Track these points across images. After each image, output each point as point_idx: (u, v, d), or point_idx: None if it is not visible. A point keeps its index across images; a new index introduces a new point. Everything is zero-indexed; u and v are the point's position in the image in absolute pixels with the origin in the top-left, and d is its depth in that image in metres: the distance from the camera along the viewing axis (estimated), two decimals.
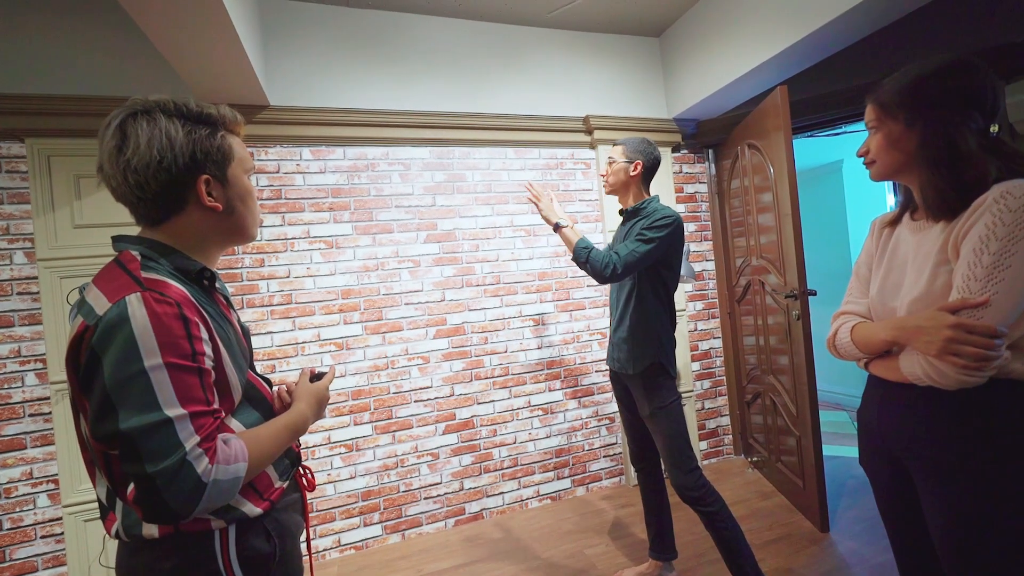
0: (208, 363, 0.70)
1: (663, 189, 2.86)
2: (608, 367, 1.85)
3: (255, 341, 2.23)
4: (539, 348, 2.61)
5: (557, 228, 1.65)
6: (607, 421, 2.78)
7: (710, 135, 2.88)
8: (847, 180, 3.86)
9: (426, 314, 2.43)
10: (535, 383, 2.59)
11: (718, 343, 2.97)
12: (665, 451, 1.63)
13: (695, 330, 2.96)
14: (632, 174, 1.70)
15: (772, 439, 2.59)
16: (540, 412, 2.61)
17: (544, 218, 1.71)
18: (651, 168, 1.72)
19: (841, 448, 2.99)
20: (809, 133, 2.91)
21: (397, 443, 2.40)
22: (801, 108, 2.71)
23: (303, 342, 2.33)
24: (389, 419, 2.38)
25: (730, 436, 2.94)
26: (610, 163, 1.73)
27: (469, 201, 2.53)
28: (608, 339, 1.87)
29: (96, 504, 0.88)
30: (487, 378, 2.52)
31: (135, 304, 0.65)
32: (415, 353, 2.42)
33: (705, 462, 2.91)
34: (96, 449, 0.68)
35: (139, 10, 1.49)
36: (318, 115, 2.28)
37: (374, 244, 2.39)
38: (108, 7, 2.06)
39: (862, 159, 1.01)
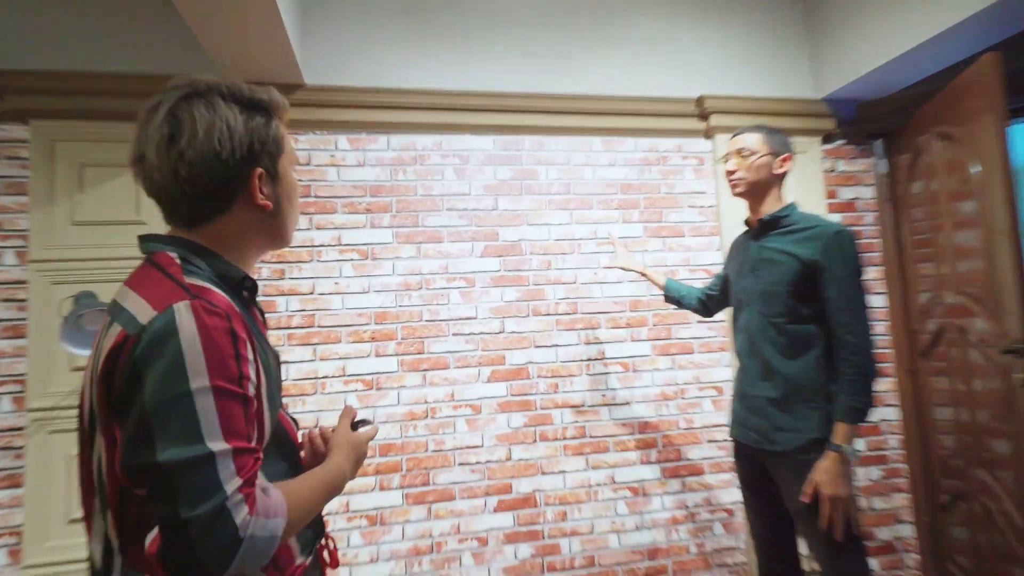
0: (251, 390, 0.69)
1: (810, 193, 2.64)
2: (733, 437, 1.74)
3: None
4: (628, 404, 2.45)
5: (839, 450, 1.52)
6: (723, 514, 2.48)
7: (878, 120, 2.70)
8: None
9: (480, 349, 2.35)
10: (622, 451, 2.42)
11: (893, 414, 2.68)
12: (829, 565, 1.49)
13: None
14: (777, 171, 1.65)
15: (986, 565, 2.27)
16: (628, 493, 2.42)
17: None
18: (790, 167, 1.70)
19: None
20: None
21: (433, 519, 2.28)
22: (1020, 83, 2.40)
23: (324, 376, 2.25)
24: (425, 485, 2.28)
25: (915, 555, 2.61)
26: (742, 155, 1.66)
27: (541, 204, 2.46)
28: (735, 397, 1.73)
29: (81, 565, 0.78)
30: (556, 440, 2.37)
31: (184, 314, 0.65)
32: (463, 400, 2.33)
33: None
34: (114, 487, 0.67)
35: None
36: (359, 96, 2.30)
37: (418, 256, 2.35)
38: None
39: None
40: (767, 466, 1.64)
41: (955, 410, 2.40)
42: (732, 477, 2.50)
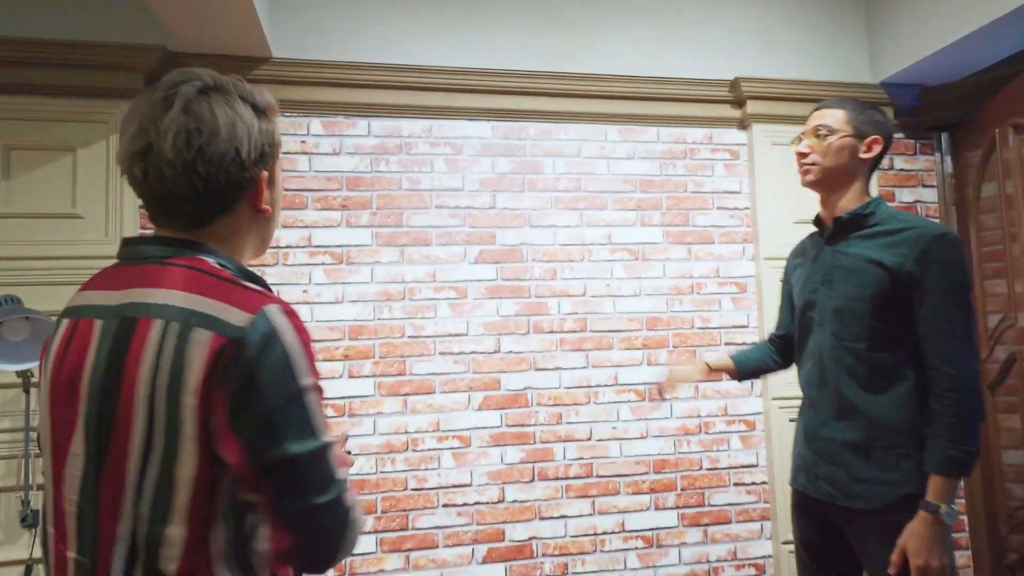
0: None
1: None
2: (796, 488, 1.56)
3: None
4: (643, 438, 2.33)
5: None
6: (751, 571, 2.34)
7: (944, 110, 2.61)
8: None
9: (471, 371, 2.28)
10: (634, 494, 2.31)
11: None
12: None
13: None
14: (863, 156, 1.46)
15: None
16: (640, 543, 2.30)
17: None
18: (885, 151, 1.50)
19: None
20: None
21: (412, 570, 2.18)
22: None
23: None
24: (403, 530, 2.19)
25: None
26: (818, 134, 1.48)
27: (546, 203, 2.36)
28: (800, 438, 1.55)
29: None
30: (558, 479, 2.27)
31: (278, 316, 0.72)
32: (450, 430, 2.26)
33: None
34: (201, 499, 0.71)
35: None
36: (337, 72, 2.22)
37: (401, 261, 2.26)
38: None
39: None
40: (841, 526, 1.47)
41: None
42: (762, 527, 2.36)
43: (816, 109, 1.53)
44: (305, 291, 2.16)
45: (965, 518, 2.47)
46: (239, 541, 0.73)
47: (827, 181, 1.47)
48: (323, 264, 2.19)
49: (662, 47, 2.42)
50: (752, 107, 2.40)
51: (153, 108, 0.77)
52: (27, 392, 1.81)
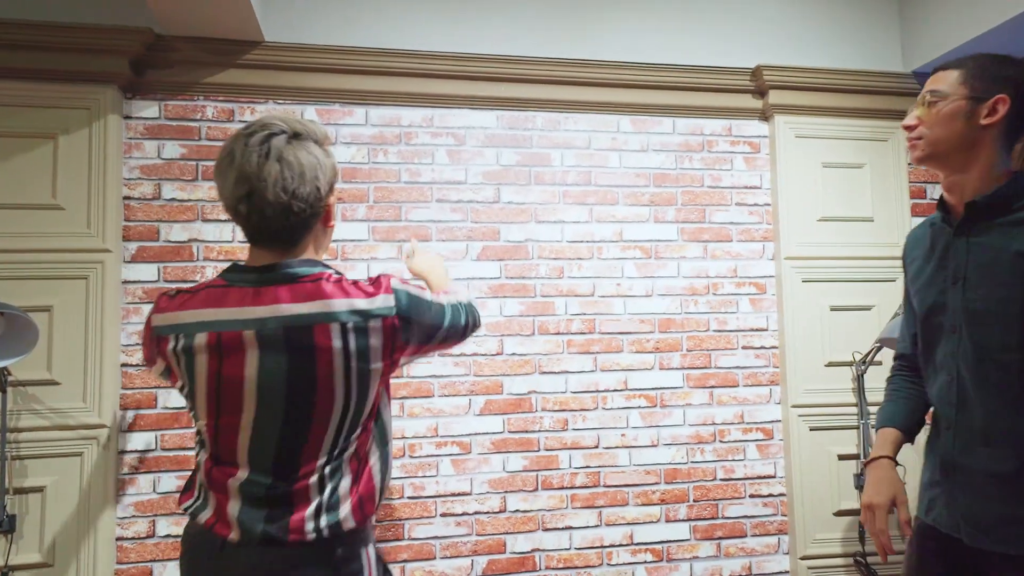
0: None
1: (889, 191, 2.44)
2: (928, 522, 1.35)
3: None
4: (654, 446, 2.29)
5: None
6: None
7: None
8: None
9: (472, 374, 2.25)
10: (643, 505, 2.27)
11: None
12: None
13: None
14: (985, 121, 1.23)
15: None
16: (649, 556, 2.26)
17: None
18: (1022, 111, 1.24)
19: None
20: None
21: None
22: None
23: None
24: (398, 540, 2.17)
25: None
26: (928, 105, 1.28)
27: (554, 197, 2.32)
28: (934, 465, 1.35)
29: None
30: (563, 488, 2.24)
31: (396, 282, 1.11)
32: (449, 436, 2.23)
33: None
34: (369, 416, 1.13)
35: None
36: (332, 58, 2.17)
37: (400, 257, 2.23)
38: None
39: None
40: (980, 569, 1.29)
41: None
42: (779, 541, 2.29)
43: (932, 72, 1.34)
44: None
45: None
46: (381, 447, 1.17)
47: (940, 157, 1.28)
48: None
49: (678, 32, 2.36)
50: (774, 97, 2.33)
51: (251, 158, 1.02)
52: (3, 391, 1.77)
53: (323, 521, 1.05)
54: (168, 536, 1.96)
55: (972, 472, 1.25)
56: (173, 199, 2.03)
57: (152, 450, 1.96)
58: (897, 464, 1.38)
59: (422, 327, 1.13)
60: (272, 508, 1.05)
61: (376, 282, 1.11)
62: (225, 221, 2.06)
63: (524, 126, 2.29)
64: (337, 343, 1.05)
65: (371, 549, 1.13)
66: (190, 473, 1.25)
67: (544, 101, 2.28)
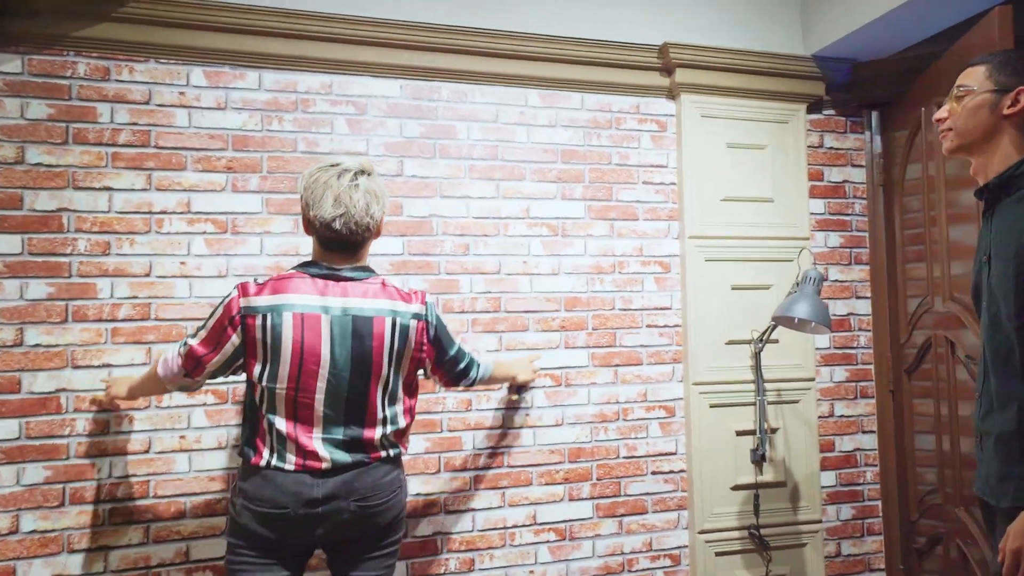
0: None
1: (789, 173, 2.61)
2: (976, 492, 1.54)
3: (75, 375, 2.00)
4: (558, 426, 2.39)
5: None
6: (667, 562, 2.43)
7: (874, 87, 2.70)
8: None
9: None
10: (547, 484, 2.36)
11: (870, 442, 2.74)
12: None
13: (829, 416, 2.69)
14: (1008, 111, 1.42)
15: None
16: (552, 536, 2.36)
17: None
18: None
19: None
20: None
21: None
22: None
23: None
24: None
25: None
26: (957, 98, 1.48)
27: (459, 171, 2.36)
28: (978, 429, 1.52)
29: None
30: (465, 470, 2.30)
31: (430, 299, 1.71)
32: None
33: None
34: (409, 382, 1.74)
35: None
36: (221, 15, 2.11)
37: (295, 231, 2.20)
38: None
39: None
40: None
41: (937, 438, 2.42)
42: (679, 517, 2.46)
43: (964, 68, 1.51)
44: (183, 263, 2.08)
45: (879, 503, 2.66)
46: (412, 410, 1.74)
47: (968, 146, 1.46)
48: (205, 233, 2.12)
49: (589, 6, 2.41)
50: (681, 75, 2.43)
51: (345, 187, 1.54)
52: None
53: (391, 453, 1.65)
54: (35, 532, 1.89)
55: (989, 436, 1.41)
56: (39, 164, 1.95)
57: (16, 439, 1.90)
58: None
59: (440, 335, 1.71)
60: (349, 449, 1.58)
61: (416, 293, 1.68)
62: (101, 189, 2.00)
63: (429, 97, 2.31)
64: (388, 331, 1.59)
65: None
66: (248, 439, 1.60)
67: (450, 71, 2.30)
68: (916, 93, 2.49)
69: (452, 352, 1.74)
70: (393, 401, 1.64)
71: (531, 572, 2.30)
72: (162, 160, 2.09)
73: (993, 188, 1.41)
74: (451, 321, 2.33)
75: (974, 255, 1.57)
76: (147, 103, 2.09)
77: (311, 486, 1.53)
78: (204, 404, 2.07)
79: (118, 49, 2.05)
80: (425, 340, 1.67)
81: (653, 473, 2.42)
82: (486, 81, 2.35)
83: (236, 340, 1.54)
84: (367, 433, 1.59)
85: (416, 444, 2.22)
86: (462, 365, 1.78)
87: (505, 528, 2.29)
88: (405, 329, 1.61)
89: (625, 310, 2.42)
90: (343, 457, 1.55)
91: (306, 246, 2.14)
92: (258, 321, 1.52)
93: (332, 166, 1.57)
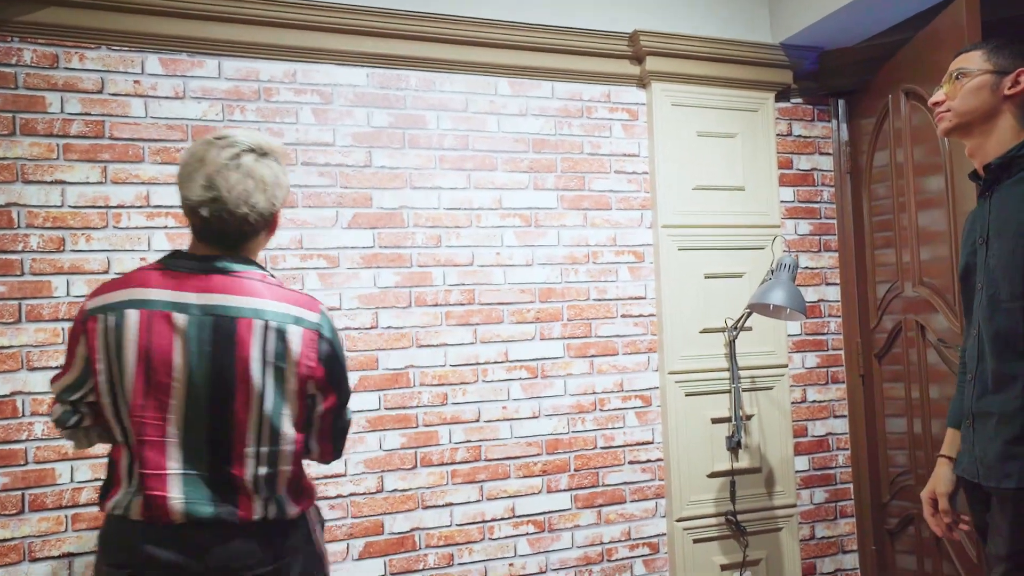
0: None
1: (758, 161, 2.65)
2: (958, 474, 1.57)
3: (30, 377, 1.96)
4: (535, 418, 2.40)
5: None
6: (645, 550, 2.48)
7: (842, 75, 2.75)
8: None
9: (345, 348, 2.12)
10: (525, 477, 2.38)
11: (841, 426, 2.79)
12: None
13: (802, 402, 2.75)
14: (1009, 92, 1.45)
15: None
16: (531, 528, 2.38)
17: None
18: None
19: None
20: None
21: None
22: (1003, 33, 2.26)
23: None
24: None
25: None
26: (955, 81, 1.50)
27: (430, 162, 2.36)
28: (962, 419, 1.56)
29: None
30: (443, 464, 2.31)
31: (327, 313, 1.33)
32: None
33: None
34: (302, 421, 1.31)
35: None
36: (176, 0, 2.07)
37: None
38: None
39: None
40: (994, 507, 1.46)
41: (909, 421, 2.48)
42: (657, 505, 2.50)
43: (956, 55, 1.54)
44: (143, 259, 2.02)
45: (851, 486, 2.73)
46: (308, 451, 1.34)
47: (964, 126, 1.48)
48: (166, 228, 2.08)
49: None
50: (652, 63, 2.46)
51: (220, 167, 1.20)
52: None
53: (270, 511, 1.24)
54: None
55: (986, 417, 1.42)
56: None
57: None
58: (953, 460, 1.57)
59: (336, 359, 1.31)
60: (214, 491, 1.21)
61: (312, 300, 1.32)
62: (52, 183, 1.94)
63: (397, 85, 2.30)
64: (258, 335, 1.22)
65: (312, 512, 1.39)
66: (107, 476, 1.29)
67: (418, 59, 2.29)
68: (882, 80, 2.54)
69: (342, 396, 1.33)
70: (274, 432, 1.23)
71: (511, 565, 2.32)
72: (118, 152, 2.04)
73: (995, 169, 1.44)
74: (425, 314, 2.37)
75: (961, 238, 1.60)
76: (100, 92, 2.04)
77: (158, 543, 1.17)
78: None
79: (66, 35, 2.00)
80: (314, 356, 1.26)
81: (630, 463, 2.46)
82: (455, 69, 2.35)
83: (82, 351, 1.21)
84: (235, 470, 1.21)
85: (392, 440, 2.25)
86: (348, 418, 1.39)
87: (484, 522, 2.31)
88: (282, 334, 1.23)
89: (600, 300, 2.44)
90: (203, 509, 1.18)
91: (276, 239, 2.05)
92: (99, 324, 1.19)
93: (218, 139, 1.24)
